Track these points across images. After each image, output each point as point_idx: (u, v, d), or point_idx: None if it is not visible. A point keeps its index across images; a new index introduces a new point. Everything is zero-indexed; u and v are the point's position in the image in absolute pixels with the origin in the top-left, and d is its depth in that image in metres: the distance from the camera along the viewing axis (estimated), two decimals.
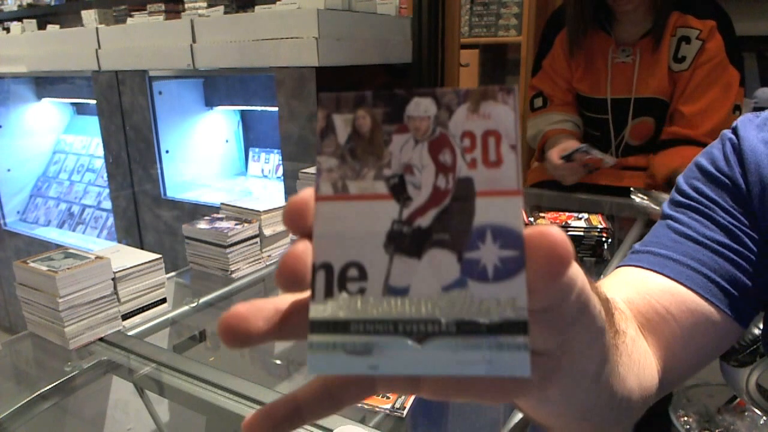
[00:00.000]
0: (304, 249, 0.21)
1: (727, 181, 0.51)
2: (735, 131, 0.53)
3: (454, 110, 0.22)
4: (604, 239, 1.11)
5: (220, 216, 1.23)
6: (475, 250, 0.21)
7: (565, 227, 1.13)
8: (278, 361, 1.14)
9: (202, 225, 1.18)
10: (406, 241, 0.21)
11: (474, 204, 0.21)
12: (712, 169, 0.52)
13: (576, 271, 0.23)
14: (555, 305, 0.23)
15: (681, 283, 0.47)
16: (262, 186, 2.35)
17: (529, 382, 0.25)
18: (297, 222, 0.22)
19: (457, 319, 0.20)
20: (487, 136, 0.22)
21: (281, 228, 1.23)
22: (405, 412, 0.73)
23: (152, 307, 1.00)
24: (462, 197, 0.21)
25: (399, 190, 0.22)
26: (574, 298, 0.23)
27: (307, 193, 0.22)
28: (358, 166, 0.22)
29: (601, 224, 1.12)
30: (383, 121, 0.22)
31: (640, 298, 0.46)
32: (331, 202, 0.22)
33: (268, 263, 1.21)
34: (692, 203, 0.52)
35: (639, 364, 0.40)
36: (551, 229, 0.20)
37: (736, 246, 0.48)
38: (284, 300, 0.23)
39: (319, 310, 0.21)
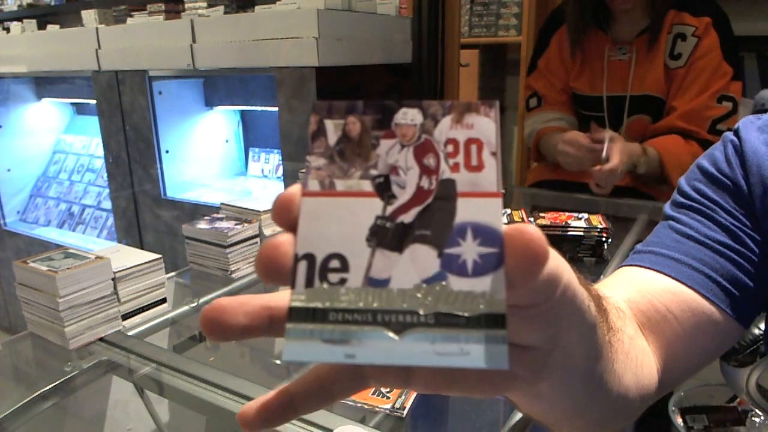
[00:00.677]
0: (285, 240, 0.22)
1: (728, 182, 0.51)
2: (737, 133, 0.53)
3: (439, 120, 0.23)
4: (604, 239, 1.11)
5: (220, 216, 1.23)
6: (456, 246, 0.22)
7: (565, 227, 1.13)
8: (278, 361, 1.14)
9: (202, 225, 1.17)
10: (388, 236, 0.22)
11: (456, 203, 0.22)
12: (714, 171, 0.52)
13: (560, 267, 0.23)
14: (540, 300, 0.23)
15: (682, 283, 0.47)
16: (262, 186, 2.35)
17: (518, 377, 0.26)
18: (283, 216, 0.23)
19: (436, 311, 0.21)
20: (469, 143, 0.23)
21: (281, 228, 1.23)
22: (405, 412, 0.73)
23: (152, 307, 1.00)
24: (444, 197, 0.22)
25: (384, 189, 0.23)
26: (560, 294, 0.24)
27: (294, 189, 0.23)
28: (346, 166, 0.23)
29: (601, 224, 1.12)
30: (372, 127, 0.23)
31: (641, 297, 0.46)
32: (317, 198, 0.23)
33: None
34: (694, 204, 0.52)
35: (637, 361, 0.40)
36: (528, 227, 0.21)
37: (737, 246, 0.48)
38: (277, 297, 0.23)
39: (299, 299, 0.21)
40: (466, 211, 0.22)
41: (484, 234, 0.21)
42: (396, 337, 0.21)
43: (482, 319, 0.20)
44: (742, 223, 0.49)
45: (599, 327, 0.30)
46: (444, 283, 0.21)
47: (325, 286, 0.21)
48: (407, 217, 0.22)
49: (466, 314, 0.21)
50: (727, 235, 0.49)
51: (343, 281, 0.21)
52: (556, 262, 0.23)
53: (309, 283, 0.21)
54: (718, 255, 0.48)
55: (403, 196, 0.23)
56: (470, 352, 0.20)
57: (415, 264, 0.22)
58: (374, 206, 0.22)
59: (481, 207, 0.22)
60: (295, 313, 0.21)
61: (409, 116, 0.23)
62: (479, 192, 0.22)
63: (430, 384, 0.26)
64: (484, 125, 0.23)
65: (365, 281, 0.21)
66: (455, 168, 0.23)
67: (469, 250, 0.21)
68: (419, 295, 0.21)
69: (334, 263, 0.22)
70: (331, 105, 0.24)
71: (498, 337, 0.20)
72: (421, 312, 0.21)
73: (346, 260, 0.22)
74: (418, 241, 0.22)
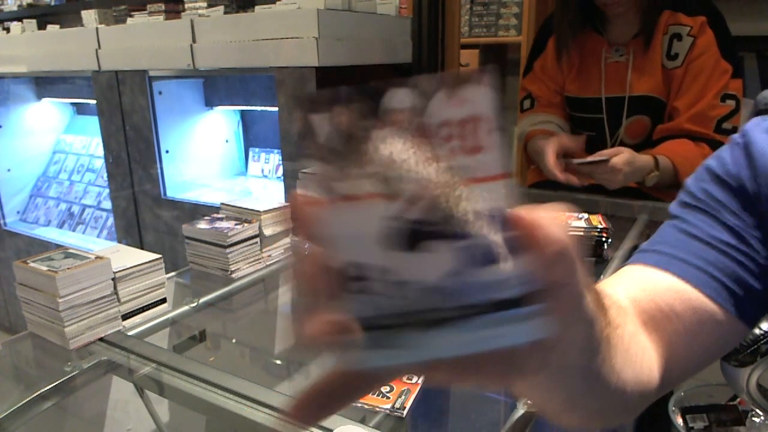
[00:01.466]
0: (317, 253, 0.22)
1: (735, 183, 0.51)
2: (744, 135, 0.53)
3: (431, 99, 0.21)
4: (604, 239, 1.11)
5: (220, 216, 1.23)
6: (468, 237, 0.21)
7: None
8: (278, 361, 1.14)
9: (202, 225, 1.17)
10: (399, 236, 0.22)
11: (461, 192, 0.21)
12: (721, 172, 0.52)
13: (574, 256, 0.24)
14: (558, 285, 0.24)
15: (686, 281, 0.47)
16: (262, 186, 2.35)
17: (523, 369, 0.26)
18: (305, 229, 0.23)
19: (461, 303, 0.21)
20: (466, 122, 0.21)
21: (281, 228, 1.23)
22: (405, 412, 0.73)
23: (152, 307, 1.00)
24: (449, 186, 0.21)
25: (384, 186, 0.22)
26: (576, 282, 0.25)
27: (303, 200, 0.23)
28: (341, 166, 0.22)
29: (601, 224, 1.12)
30: (361, 116, 0.22)
31: (644, 295, 0.46)
32: (321, 207, 0.22)
33: (268, 263, 1.21)
34: (700, 204, 0.52)
35: (636, 358, 0.40)
36: (538, 211, 0.21)
37: (742, 247, 0.48)
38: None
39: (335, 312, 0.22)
40: (473, 198, 0.21)
41: (495, 219, 0.21)
42: (435, 332, 0.21)
43: (507, 302, 0.21)
44: (748, 225, 0.49)
45: (597, 323, 0.31)
46: (462, 274, 0.21)
47: (348, 296, 0.21)
48: (414, 214, 0.21)
49: (490, 300, 0.21)
50: (732, 236, 0.49)
51: (366, 288, 0.21)
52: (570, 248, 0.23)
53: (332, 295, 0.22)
54: (723, 255, 0.48)
55: (405, 192, 0.21)
56: (509, 333, 0.21)
57: (431, 260, 0.21)
58: (379, 207, 0.22)
59: (488, 192, 0.21)
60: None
61: (397, 99, 0.21)
62: (483, 176, 0.21)
63: (450, 376, 0.26)
64: (479, 97, 0.21)
65: (388, 285, 0.21)
66: (455, 153, 0.21)
67: (482, 237, 0.21)
68: (441, 289, 0.21)
69: (352, 272, 0.22)
70: (314, 97, 0.22)
71: (530, 313, 0.21)
72: (448, 306, 0.21)
73: (363, 267, 0.21)
74: (430, 237, 0.21)
